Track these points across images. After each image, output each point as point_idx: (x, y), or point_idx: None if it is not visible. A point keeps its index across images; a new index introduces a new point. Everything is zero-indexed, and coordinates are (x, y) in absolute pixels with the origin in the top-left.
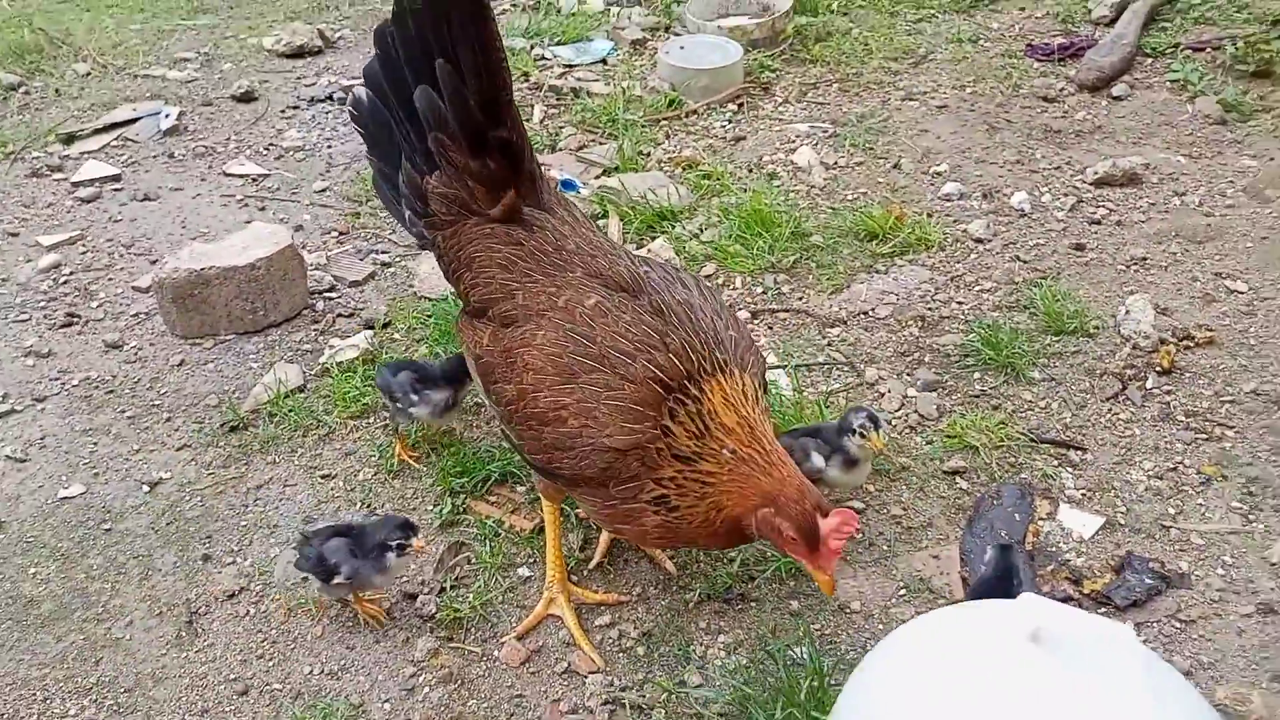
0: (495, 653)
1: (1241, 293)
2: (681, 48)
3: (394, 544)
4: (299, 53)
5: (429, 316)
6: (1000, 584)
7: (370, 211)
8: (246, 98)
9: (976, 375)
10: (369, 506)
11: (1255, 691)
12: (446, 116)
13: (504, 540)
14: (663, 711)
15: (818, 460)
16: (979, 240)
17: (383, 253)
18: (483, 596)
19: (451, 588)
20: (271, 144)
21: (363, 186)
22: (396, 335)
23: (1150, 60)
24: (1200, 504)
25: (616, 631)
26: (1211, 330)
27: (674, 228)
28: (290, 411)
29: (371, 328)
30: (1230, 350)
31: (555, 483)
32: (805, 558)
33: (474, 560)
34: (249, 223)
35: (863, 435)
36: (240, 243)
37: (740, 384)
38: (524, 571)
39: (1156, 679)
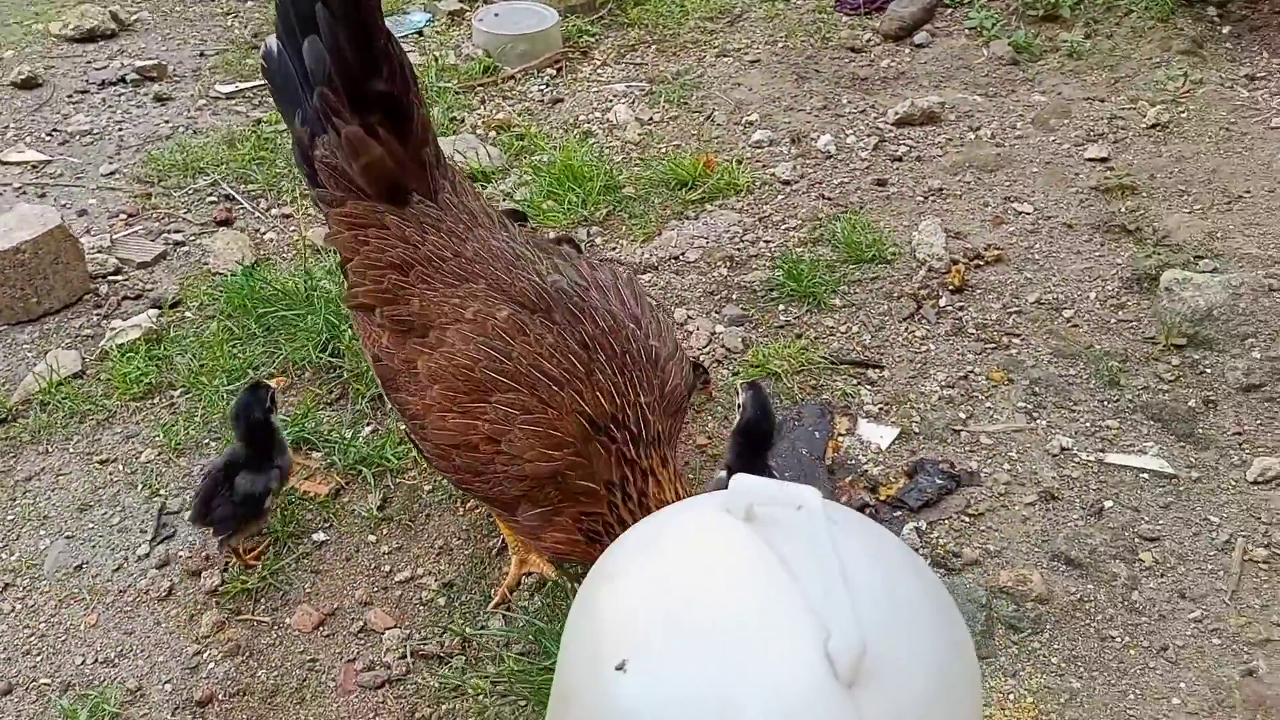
0: (287, 619)
1: (1028, 213)
2: (496, 15)
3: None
4: (89, 37)
5: (222, 291)
6: (762, 418)
7: (163, 192)
8: (28, 84)
9: (781, 308)
10: (151, 489)
11: (1035, 572)
12: (329, 66)
13: (297, 507)
14: (462, 659)
15: None
16: (786, 182)
17: (175, 232)
18: (273, 565)
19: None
20: (55, 130)
21: (154, 167)
22: (187, 314)
23: (950, 10)
24: (989, 408)
25: (415, 585)
26: (999, 249)
27: (486, 187)
28: (65, 399)
29: (159, 307)
30: (1017, 265)
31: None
32: None
33: (265, 530)
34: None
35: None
36: (2, 226)
37: (661, 430)
38: (319, 536)
39: (843, 537)
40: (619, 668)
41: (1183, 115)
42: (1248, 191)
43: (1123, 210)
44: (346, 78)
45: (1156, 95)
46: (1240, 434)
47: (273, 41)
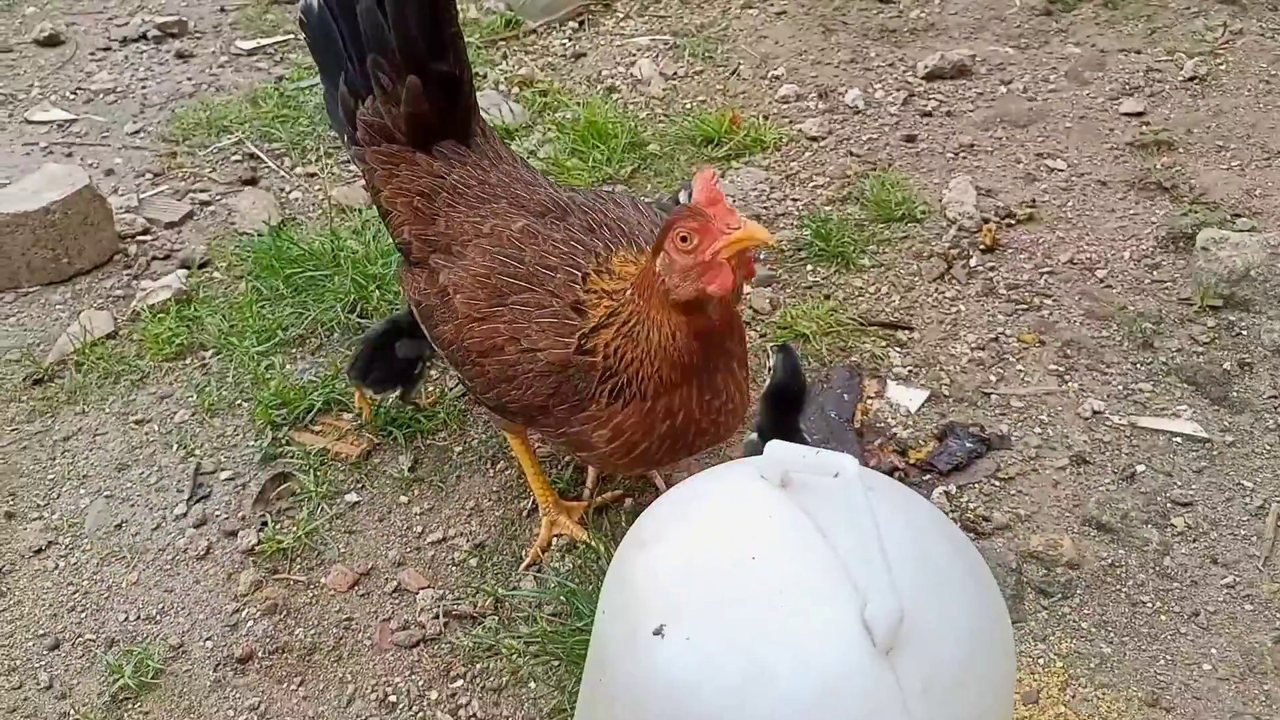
0: (322, 579)
1: (1060, 170)
2: None
3: None
4: None
5: (250, 252)
6: (793, 380)
7: (188, 150)
8: (51, 41)
9: (809, 267)
10: (186, 449)
11: (1066, 537)
12: (388, 37)
13: (329, 468)
14: (495, 619)
15: None
16: (814, 138)
17: (201, 191)
18: (307, 526)
19: (275, 522)
20: (80, 88)
21: (179, 126)
22: (216, 274)
23: None
24: (1020, 370)
25: (448, 546)
26: (1032, 207)
27: (510, 145)
28: (99, 360)
29: (188, 268)
30: (1049, 224)
31: (511, 422)
32: (713, 238)
33: (298, 491)
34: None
35: None
36: (32, 187)
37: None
38: (351, 497)
39: (878, 504)
40: (656, 633)
41: (1221, 67)
42: None
43: (1158, 166)
44: (409, 55)
45: (1194, 46)
46: (1276, 397)
47: (314, 0)
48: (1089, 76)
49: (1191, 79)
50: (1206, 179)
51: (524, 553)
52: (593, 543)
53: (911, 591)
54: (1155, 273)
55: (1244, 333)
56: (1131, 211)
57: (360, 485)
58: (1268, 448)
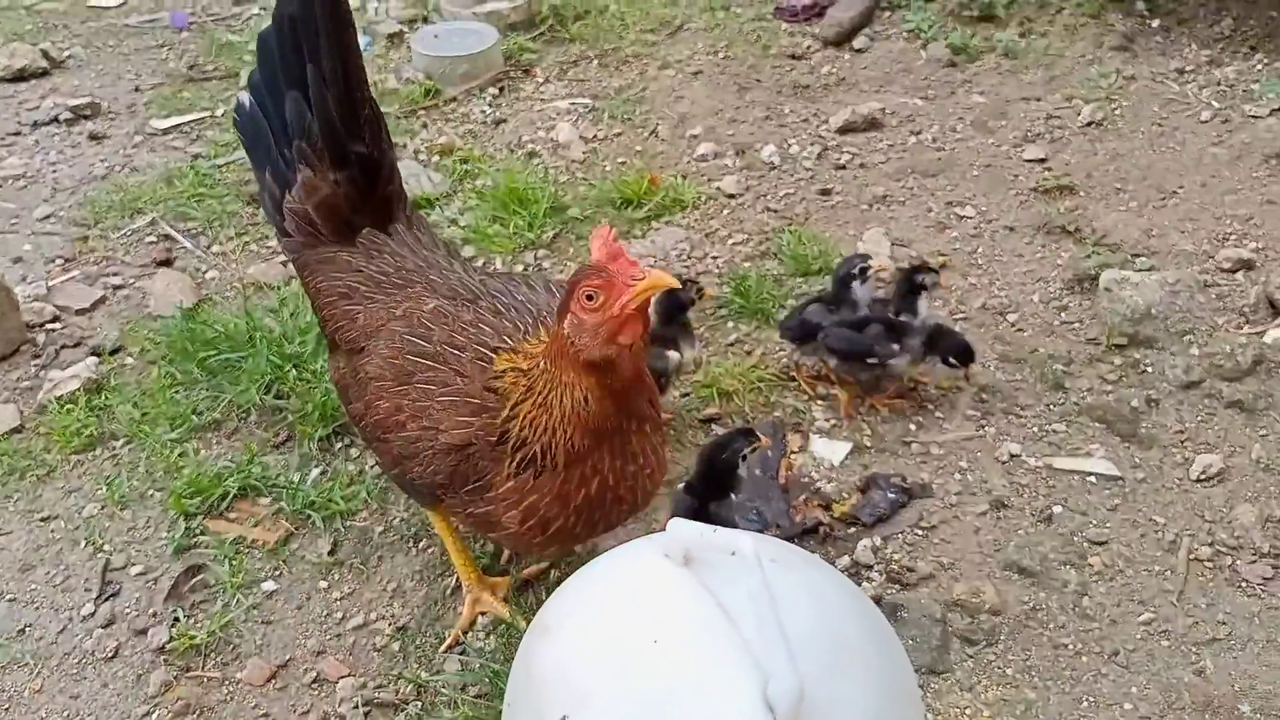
0: (238, 675)
1: (970, 217)
2: (435, 36)
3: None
4: (20, 76)
5: (163, 336)
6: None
7: (100, 234)
8: None
9: (730, 324)
10: (95, 545)
11: (988, 583)
12: (310, 123)
13: (245, 557)
14: (418, 705)
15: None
16: (731, 195)
17: (114, 275)
18: (222, 619)
19: (187, 616)
20: None
21: (91, 209)
22: (128, 360)
23: (887, 13)
24: (939, 417)
25: (369, 631)
26: (944, 255)
27: (430, 213)
28: (3, 456)
29: (98, 355)
30: (961, 271)
31: (421, 501)
32: (618, 293)
33: (213, 583)
34: None
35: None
36: None
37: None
38: (269, 585)
39: (782, 577)
40: None
41: (1116, 112)
42: (1181, 187)
43: (1062, 210)
44: (330, 138)
45: (1091, 93)
46: (1182, 432)
47: (245, 97)
48: (993, 125)
49: (1089, 124)
50: (1107, 221)
51: (446, 634)
52: (517, 620)
53: (815, 667)
54: (1063, 314)
55: (1149, 369)
56: (1039, 255)
57: (278, 572)
58: (1177, 482)
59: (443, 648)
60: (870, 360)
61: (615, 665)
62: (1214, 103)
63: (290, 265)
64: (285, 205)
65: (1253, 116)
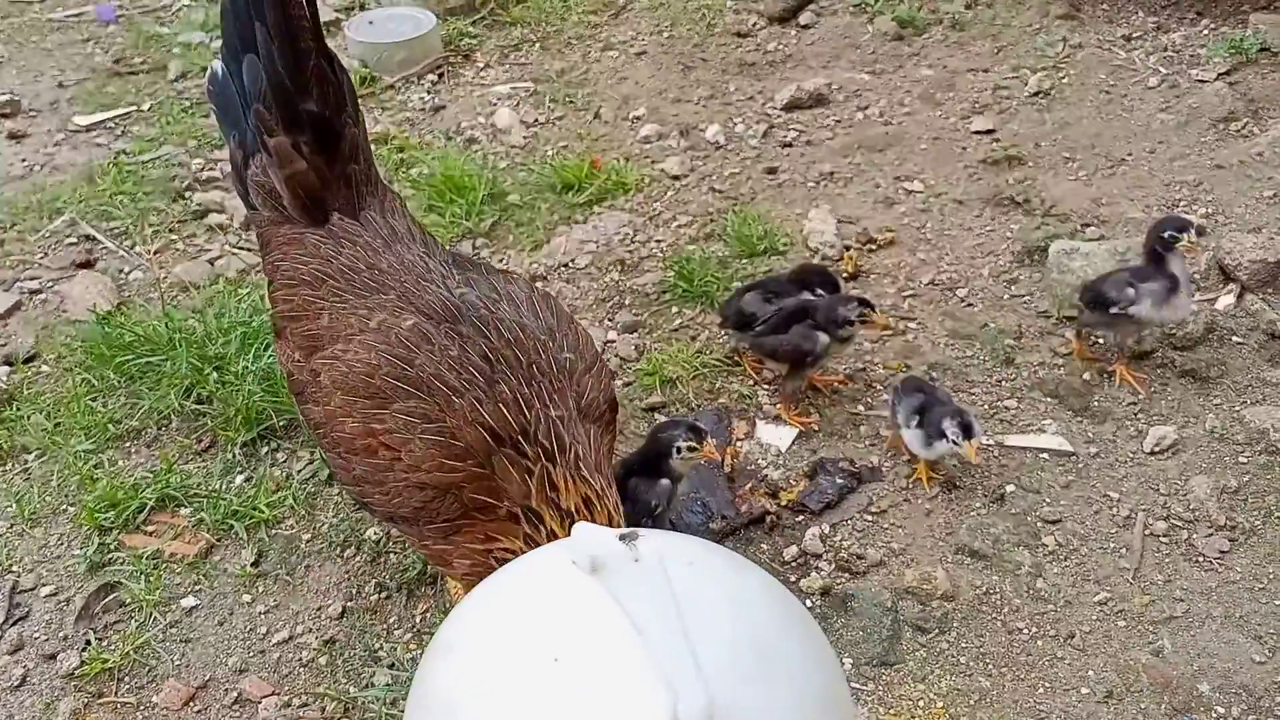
0: (154, 698)
1: (918, 192)
2: (370, 23)
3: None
4: None
5: (79, 341)
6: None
7: (17, 236)
8: None
9: (674, 310)
10: (2, 566)
11: (940, 568)
12: (264, 84)
13: (164, 572)
14: None
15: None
16: (676, 177)
17: (31, 279)
18: (137, 639)
19: (99, 638)
20: None
21: (8, 211)
22: (44, 368)
23: None
24: (886, 398)
25: (295, 645)
26: (892, 231)
27: None
28: None
29: (11, 364)
30: (910, 247)
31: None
32: None
33: (128, 601)
34: None
35: (954, 442)
36: None
37: (581, 449)
38: (188, 601)
39: (698, 583)
40: None
41: (1064, 81)
42: (1130, 155)
43: (1011, 182)
44: (280, 96)
45: (1038, 62)
46: (1135, 404)
47: (217, 65)
48: (941, 98)
49: (1037, 94)
50: (1056, 191)
51: (377, 644)
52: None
53: (731, 679)
54: (1013, 288)
55: (1100, 341)
56: (988, 228)
57: (198, 587)
58: (1130, 455)
59: None
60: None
61: (515, 688)
62: (1161, 69)
63: (215, 265)
64: (249, 176)
65: (1200, 81)
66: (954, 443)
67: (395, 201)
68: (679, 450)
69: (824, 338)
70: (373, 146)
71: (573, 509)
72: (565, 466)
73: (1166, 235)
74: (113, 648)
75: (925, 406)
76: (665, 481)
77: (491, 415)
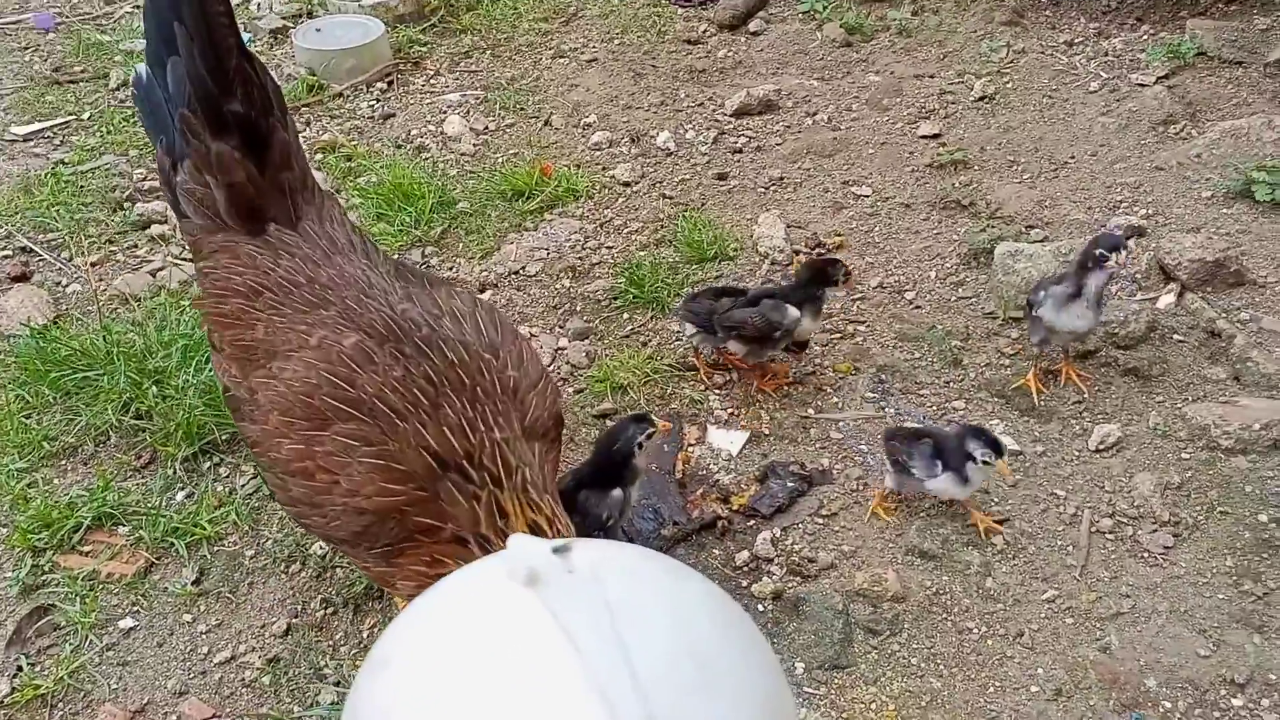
0: None
1: (866, 196)
2: (318, 30)
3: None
4: None
5: (12, 356)
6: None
7: None
8: None
9: (625, 316)
10: None
11: (890, 570)
12: (187, 88)
13: (100, 593)
14: None
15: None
16: (626, 183)
17: None
18: (72, 664)
19: (32, 663)
20: None
21: None
22: None
23: None
24: (836, 400)
25: (238, 665)
26: (840, 235)
27: None
28: None
29: None
30: (859, 250)
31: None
32: None
33: (63, 624)
34: None
35: (986, 463)
36: None
37: (528, 471)
38: (126, 623)
39: (634, 593)
40: None
41: (1008, 85)
42: (1073, 157)
43: (957, 185)
44: (203, 98)
45: (982, 68)
46: (1080, 403)
47: (142, 68)
48: (888, 103)
49: (981, 99)
50: (1001, 194)
51: (323, 663)
52: None
53: (670, 690)
54: (960, 290)
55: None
56: (935, 231)
57: (136, 608)
58: (1076, 454)
59: None
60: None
61: (448, 705)
62: (1102, 73)
63: (157, 276)
64: (178, 183)
65: (1140, 85)
66: (986, 462)
67: (335, 209)
68: (640, 446)
69: (794, 311)
70: (320, 155)
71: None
72: (513, 490)
73: (1098, 253)
74: (46, 673)
75: (938, 446)
76: (617, 492)
77: (436, 440)
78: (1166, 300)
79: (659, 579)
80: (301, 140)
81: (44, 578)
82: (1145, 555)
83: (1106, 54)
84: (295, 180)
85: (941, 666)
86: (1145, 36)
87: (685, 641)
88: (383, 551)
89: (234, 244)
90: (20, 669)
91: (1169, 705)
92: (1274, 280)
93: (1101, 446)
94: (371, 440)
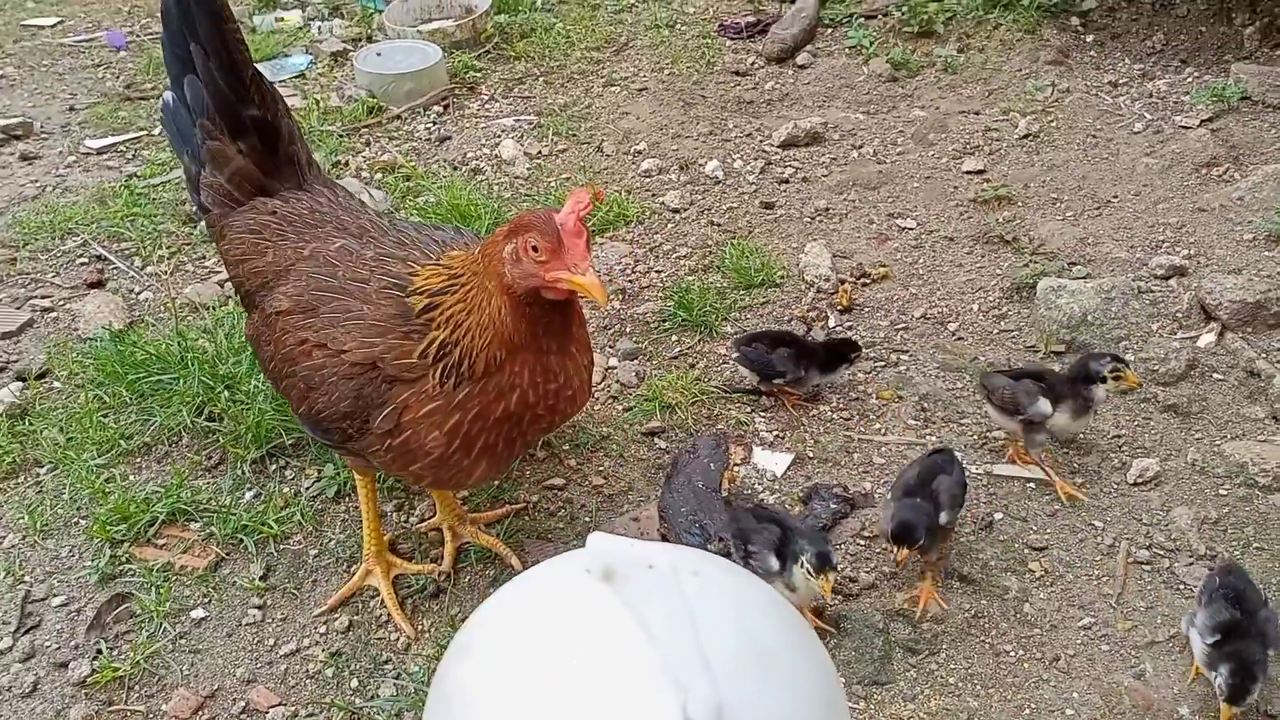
0: (163, 706)
1: (911, 229)
2: (379, 54)
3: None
4: None
5: (91, 359)
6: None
7: (29, 255)
8: None
9: (674, 338)
10: (15, 576)
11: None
12: (205, 100)
13: (174, 584)
14: None
15: (1044, 407)
16: (675, 210)
17: (43, 298)
18: (147, 649)
19: (110, 647)
20: None
21: (20, 230)
22: (56, 384)
23: (829, 30)
24: (879, 427)
25: (302, 657)
26: (885, 266)
27: None
28: None
29: (24, 380)
30: (903, 282)
31: (341, 452)
32: (560, 266)
33: (139, 612)
34: None
35: (1116, 377)
36: None
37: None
38: (198, 613)
39: (704, 591)
40: None
41: (1052, 124)
42: (1115, 196)
43: (1000, 221)
44: (223, 107)
45: (1027, 106)
46: (1119, 437)
47: (169, 95)
48: (933, 138)
49: (1026, 136)
50: (1044, 230)
51: (384, 656)
52: (403, 621)
53: (736, 681)
54: (1002, 323)
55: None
56: (978, 265)
57: (207, 599)
58: (1114, 486)
59: (317, 612)
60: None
61: (530, 687)
62: (1146, 114)
63: (224, 286)
64: (201, 183)
65: (1183, 127)
66: (808, 575)
67: (339, 186)
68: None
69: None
70: (380, 175)
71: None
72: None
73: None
74: (123, 657)
75: (781, 539)
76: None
77: (397, 273)
78: (1207, 339)
79: (723, 579)
80: (360, 159)
81: (121, 568)
82: (1181, 587)
83: (1151, 95)
84: (301, 155)
85: (978, 686)
86: (1189, 79)
87: (750, 637)
88: (391, 414)
89: (251, 204)
90: (100, 652)
91: None
92: None
93: (1140, 480)
94: (349, 309)
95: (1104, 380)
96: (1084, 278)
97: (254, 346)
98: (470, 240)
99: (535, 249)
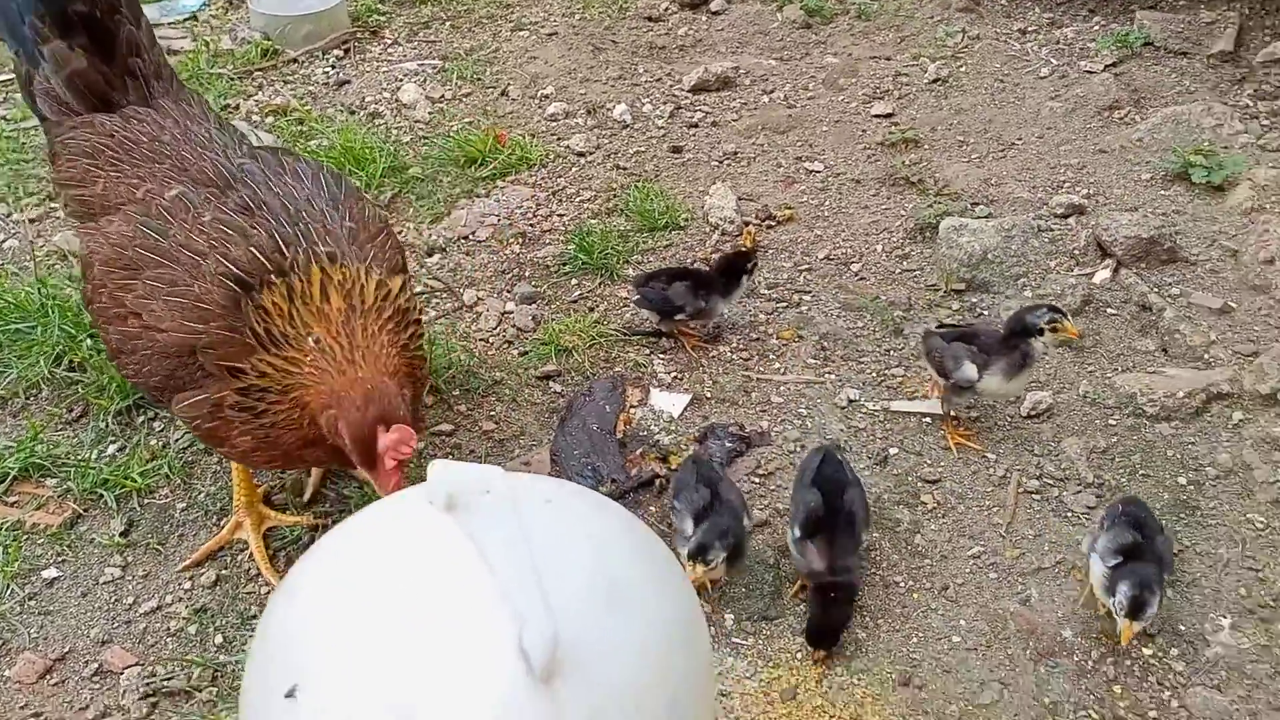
0: (6, 671)
1: (818, 171)
2: None
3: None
4: None
5: None
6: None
7: None
8: None
9: (574, 282)
10: None
11: None
12: None
13: (24, 543)
14: (213, 690)
15: (970, 372)
16: (581, 154)
17: None
18: None
19: None
20: None
21: None
22: None
23: None
24: (779, 366)
25: (163, 615)
26: (791, 208)
27: None
28: None
29: None
30: (808, 224)
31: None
32: (366, 470)
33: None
34: None
35: (1054, 328)
36: None
37: (352, 275)
38: (50, 573)
39: (552, 518)
40: (289, 695)
41: (961, 70)
42: (1020, 139)
43: (906, 163)
44: (49, 2)
45: (937, 52)
46: None
47: None
48: (844, 83)
49: (935, 81)
50: (949, 172)
51: (251, 610)
52: (270, 576)
53: (579, 611)
54: (905, 263)
55: (985, 312)
56: (883, 206)
57: (61, 559)
58: (1008, 419)
59: (180, 566)
60: None
61: (356, 625)
62: (1053, 60)
63: None
64: (35, 88)
65: (1088, 72)
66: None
67: (195, 98)
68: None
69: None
70: (270, 118)
71: (321, 322)
72: (331, 280)
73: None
74: None
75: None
76: None
77: (238, 260)
78: (1102, 275)
79: (578, 507)
80: (251, 103)
81: None
82: (1069, 514)
83: (1058, 42)
84: (147, 68)
85: (867, 618)
86: (1096, 27)
87: (600, 567)
88: (197, 400)
89: (90, 119)
90: None
91: (1083, 655)
92: (1205, 258)
93: (1033, 413)
94: (176, 282)
95: (1041, 332)
96: (986, 217)
97: (84, 287)
98: (326, 193)
99: (349, 448)
